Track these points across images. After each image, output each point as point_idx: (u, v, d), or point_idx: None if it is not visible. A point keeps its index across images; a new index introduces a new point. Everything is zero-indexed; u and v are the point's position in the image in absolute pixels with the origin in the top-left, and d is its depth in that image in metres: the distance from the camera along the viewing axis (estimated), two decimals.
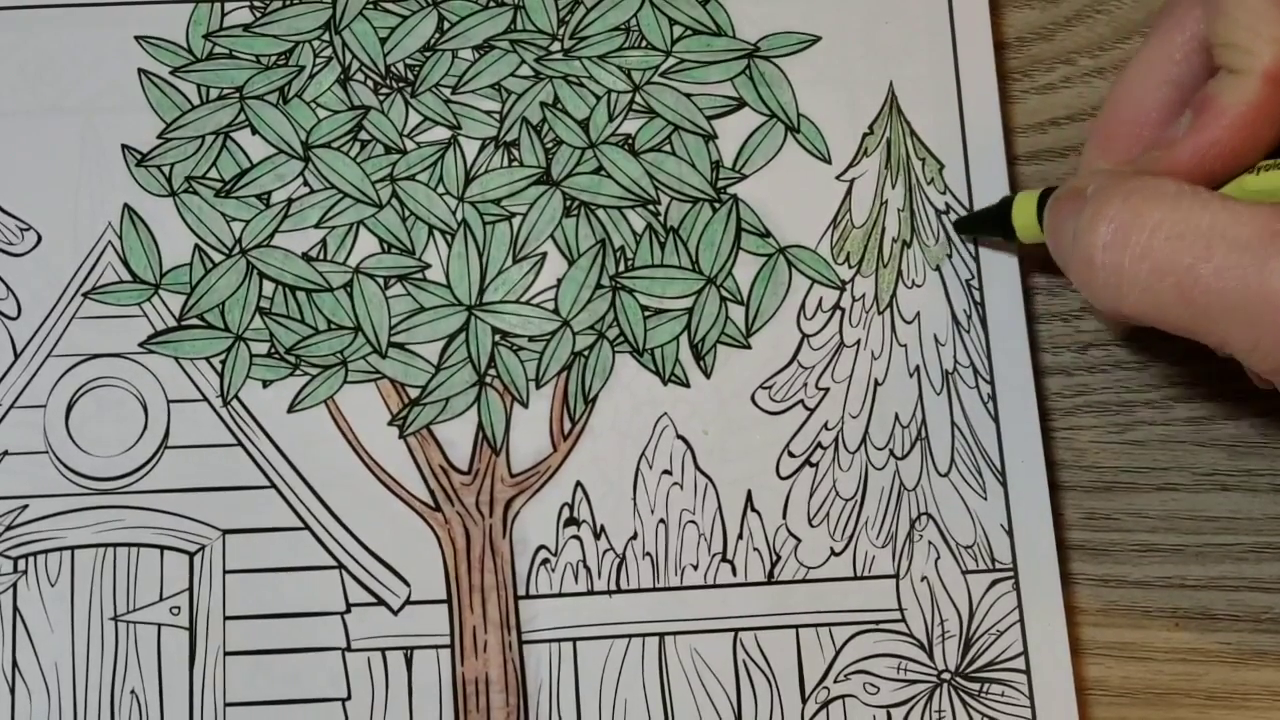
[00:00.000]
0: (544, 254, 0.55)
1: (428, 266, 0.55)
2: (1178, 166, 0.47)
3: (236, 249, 0.55)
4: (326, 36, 0.57)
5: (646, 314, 0.55)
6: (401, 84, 0.57)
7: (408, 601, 0.52)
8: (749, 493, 0.54)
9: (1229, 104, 0.46)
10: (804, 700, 0.52)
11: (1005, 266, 0.55)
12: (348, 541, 0.53)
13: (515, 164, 0.56)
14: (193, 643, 0.52)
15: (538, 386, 0.54)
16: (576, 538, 0.53)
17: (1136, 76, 0.51)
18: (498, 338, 0.55)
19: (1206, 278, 0.44)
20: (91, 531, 0.53)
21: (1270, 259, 0.43)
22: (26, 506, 0.53)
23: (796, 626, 0.53)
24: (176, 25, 0.57)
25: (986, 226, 0.55)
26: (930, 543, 0.53)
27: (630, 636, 0.52)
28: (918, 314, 0.55)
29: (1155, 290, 0.45)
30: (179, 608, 0.52)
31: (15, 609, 0.52)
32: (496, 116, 0.56)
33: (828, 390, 0.55)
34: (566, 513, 0.53)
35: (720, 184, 0.56)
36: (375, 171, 0.56)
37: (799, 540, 0.53)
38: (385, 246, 0.55)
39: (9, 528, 0.52)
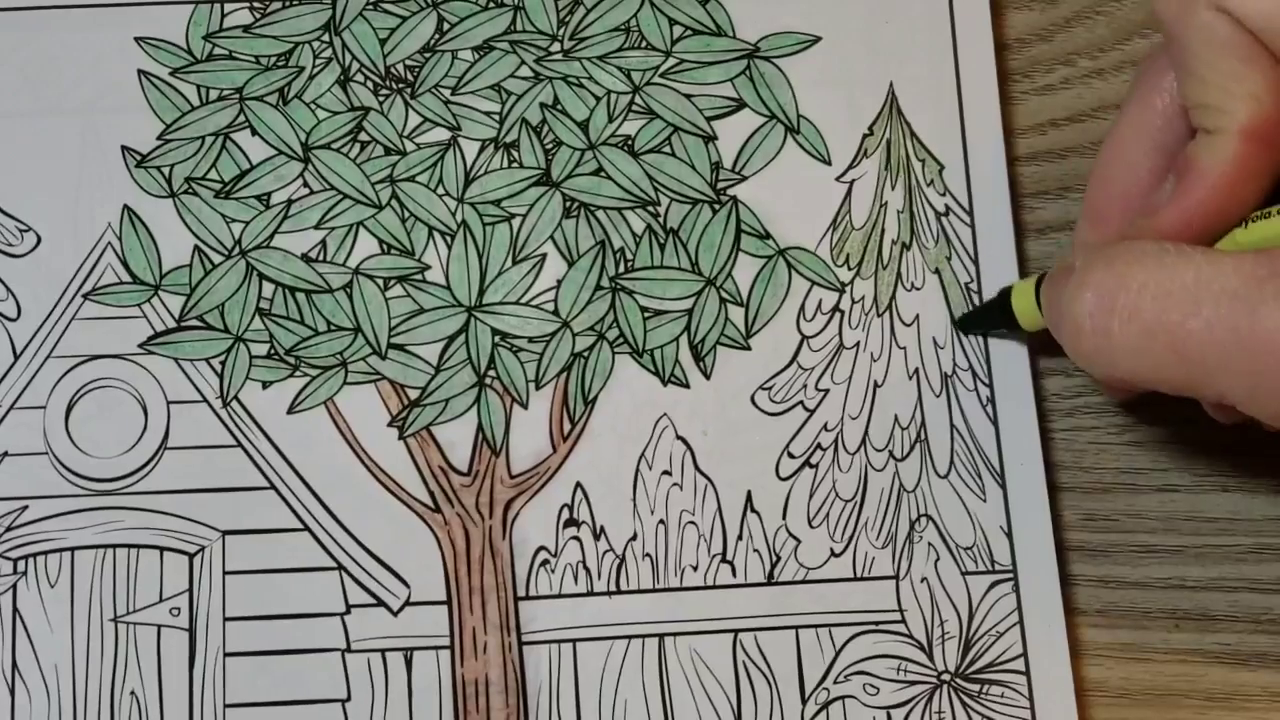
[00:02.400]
0: (544, 255, 0.55)
1: (427, 268, 0.55)
2: (1164, 233, 0.47)
3: (236, 250, 0.55)
4: (326, 37, 0.57)
5: (646, 315, 0.55)
6: (401, 85, 0.57)
7: (407, 603, 0.52)
8: (749, 494, 0.54)
9: (1209, 166, 0.46)
10: (804, 701, 0.52)
11: (1004, 268, 0.55)
12: (347, 543, 0.53)
13: (515, 165, 0.56)
14: (192, 644, 0.52)
15: (537, 387, 0.54)
16: (576, 539, 0.53)
17: (1120, 146, 0.51)
18: (497, 339, 0.55)
19: (1198, 332, 0.43)
20: (91, 532, 0.53)
21: (1259, 305, 0.42)
22: (26, 507, 0.53)
23: (796, 627, 0.53)
24: (176, 26, 0.57)
25: (990, 320, 0.55)
26: (930, 544, 0.53)
27: (630, 637, 0.52)
28: (917, 316, 0.55)
29: (1147, 351, 0.45)
30: (179, 609, 0.52)
31: (15, 610, 0.52)
32: (496, 117, 0.56)
33: (827, 392, 0.55)
34: (566, 514, 0.53)
35: (720, 185, 0.56)
36: (375, 172, 0.56)
37: (799, 541, 0.53)
38: (385, 248, 0.55)
39: (9, 529, 0.52)
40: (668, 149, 0.56)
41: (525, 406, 0.54)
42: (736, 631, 0.53)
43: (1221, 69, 0.45)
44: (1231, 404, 0.45)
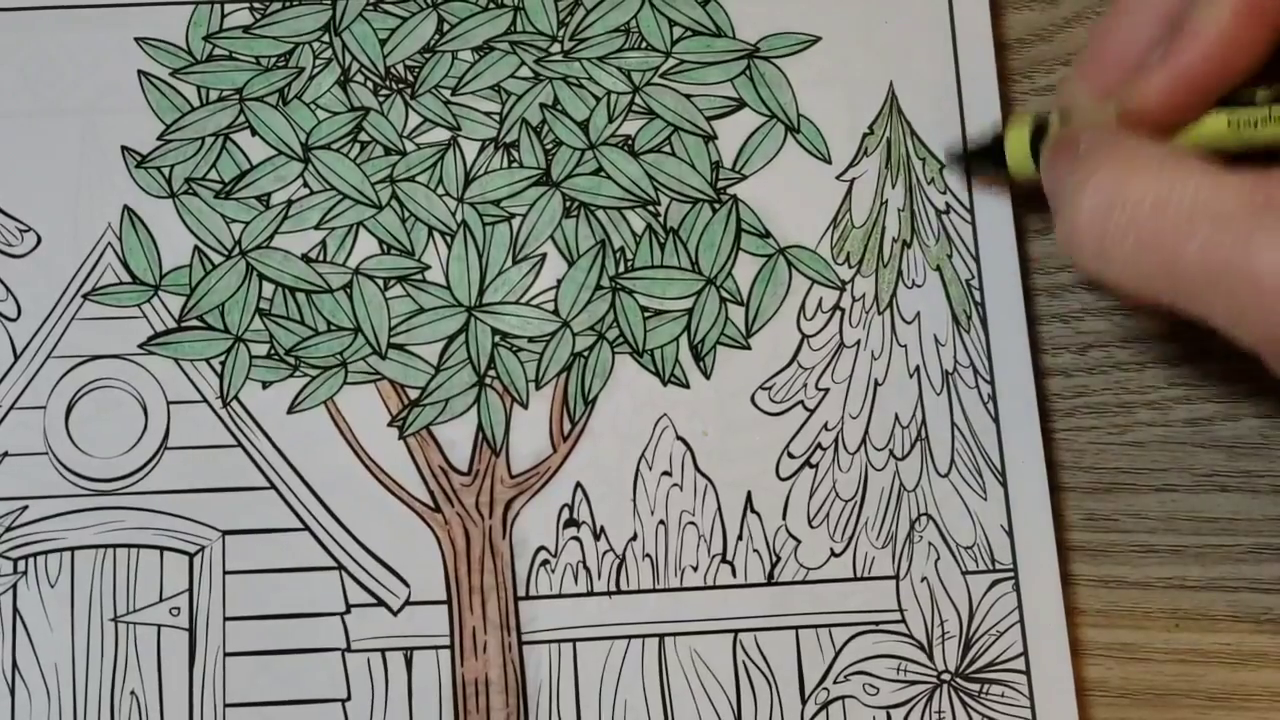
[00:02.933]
0: (544, 255, 0.55)
1: (427, 268, 0.55)
2: (1150, 94, 0.47)
3: (236, 250, 0.55)
4: (326, 38, 0.57)
5: (646, 315, 0.55)
6: (401, 85, 0.57)
7: (407, 602, 0.53)
8: (749, 494, 0.54)
9: (1202, 29, 0.47)
10: (804, 701, 0.52)
11: (1006, 267, 0.55)
12: (347, 542, 0.53)
13: (515, 165, 0.56)
14: (192, 643, 0.52)
15: (537, 387, 0.54)
16: (576, 539, 0.53)
17: (1130, 7, 0.51)
18: (497, 339, 0.55)
19: (1191, 253, 0.44)
20: (91, 532, 0.53)
21: (1254, 233, 0.43)
22: (26, 507, 0.53)
23: (796, 627, 0.53)
24: (176, 27, 0.57)
25: (979, 162, 0.55)
26: (930, 543, 0.53)
27: (630, 637, 0.52)
28: (918, 314, 0.55)
29: (1139, 263, 0.45)
30: (179, 608, 0.52)
31: (15, 610, 0.52)
32: (496, 118, 0.56)
33: (828, 391, 0.55)
34: (566, 513, 0.53)
35: (720, 184, 0.56)
36: (375, 173, 0.56)
37: (799, 541, 0.53)
38: (385, 248, 0.55)
39: (9, 529, 0.52)
40: (668, 149, 0.56)
41: (525, 406, 0.54)
42: (736, 631, 0.53)
43: None
44: (1214, 325, 0.45)
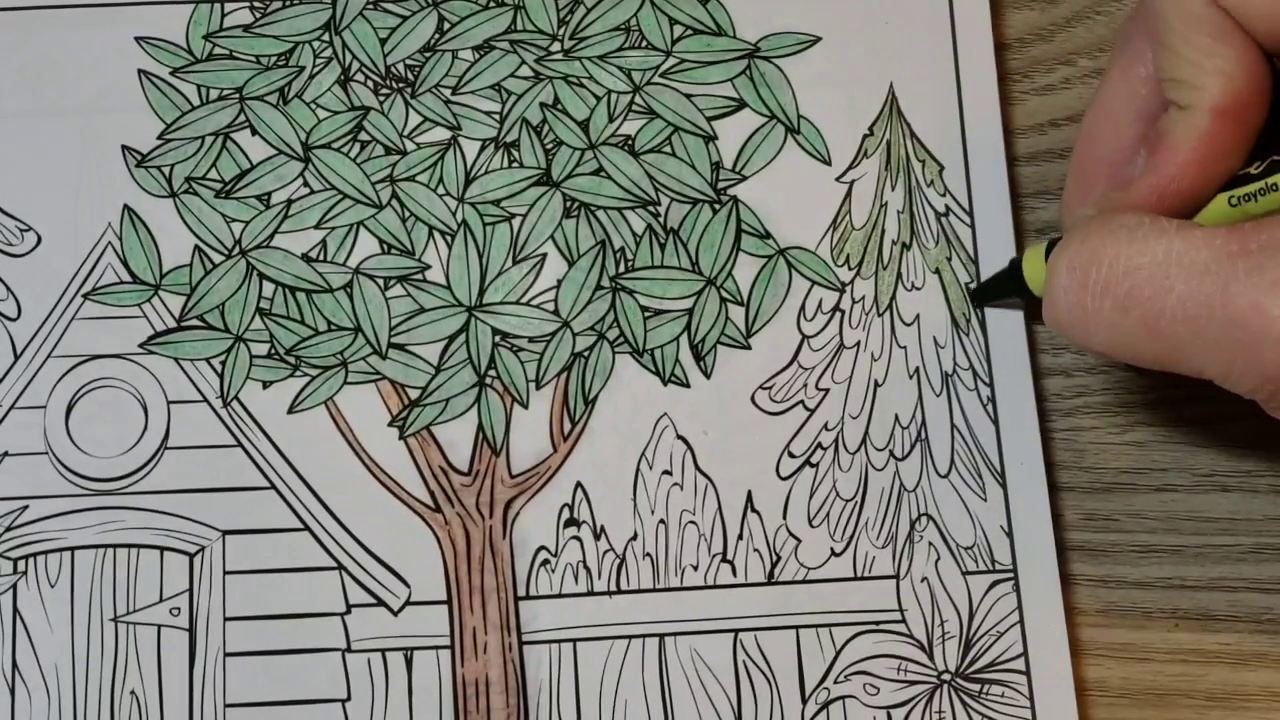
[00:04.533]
0: (544, 255, 0.55)
1: (428, 267, 0.55)
2: (1136, 205, 0.47)
3: (236, 250, 0.55)
4: (326, 37, 0.57)
5: (646, 315, 0.55)
6: (401, 85, 0.57)
7: (408, 602, 0.52)
8: (749, 493, 0.54)
9: (1180, 140, 0.46)
10: (804, 701, 0.52)
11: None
12: (348, 542, 0.53)
13: (515, 165, 0.56)
14: (193, 643, 0.52)
15: (538, 387, 0.54)
16: (576, 538, 0.53)
17: (1103, 113, 0.51)
18: (498, 339, 0.55)
19: (1171, 308, 0.43)
20: (92, 532, 0.53)
21: (1231, 282, 0.42)
22: (27, 507, 0.53)
23: (797, 627, 0.53)
24: (176, 26, 0.57)
25: (1003, 289, 0.55)
26: (930, 544, 0.53)
27: (630, 637, 0.52)
28: (917, 316, 0.55)
29: (1121, 327, 0.45)
30: (179, 608, 0.52)
31: (15, 610, 0.52)
32: (496, 117, 0.56)
33: (828, 391, 0.55)
34: (566, 513, 0.53)
35: (720, 185, 0.56)
36: (375, 172, 0.56)
37: (799, 541, 0.53)
38: (385, 247, 0.55)
39: (9, 528, 0.52)
40: (668, 149, 0.56)
41: (525, 406, 0.54)
42: (737, 631, 0.53)
43: (1194, 44, 0.45)
44: (1208, 379, 0.45)
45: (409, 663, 0.52)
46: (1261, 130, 0.47)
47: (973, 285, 0.55)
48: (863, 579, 0.53)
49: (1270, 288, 0.42)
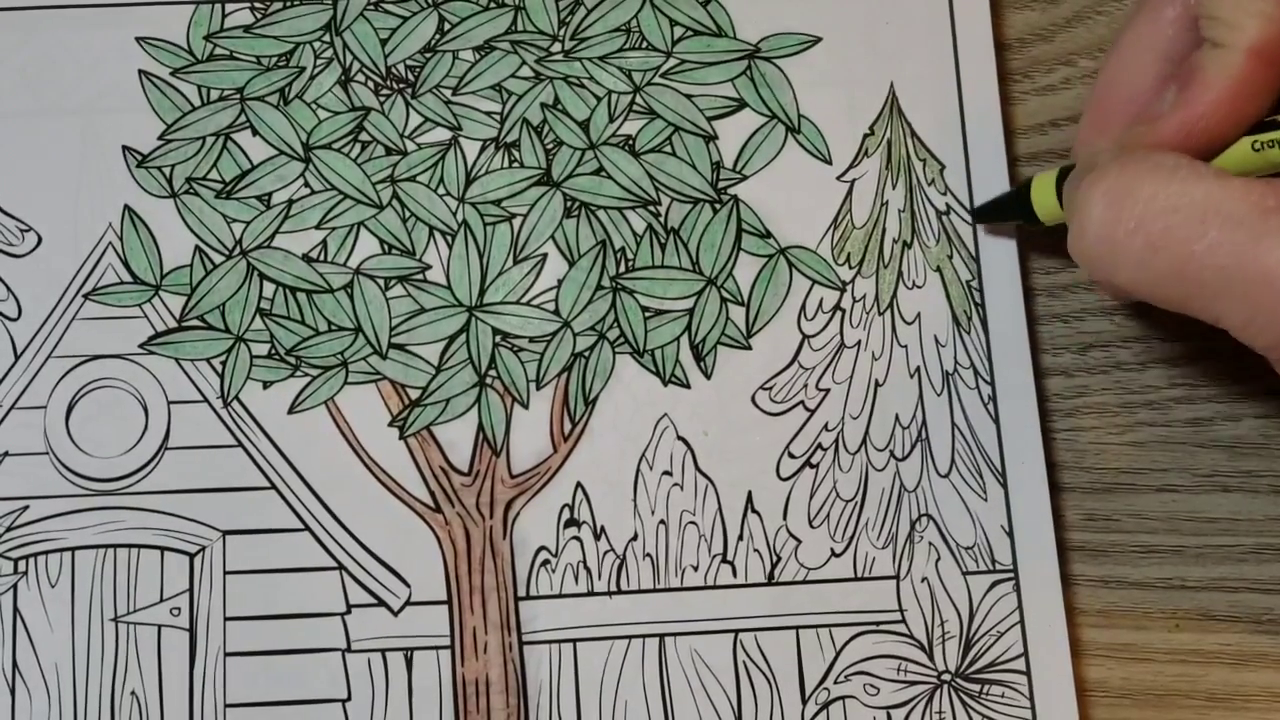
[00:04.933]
0: (544, 255, 0.55)
1: (428, 268, 0.55)
2: (1163, 141, 0.47)
3: (237, 250, 0.55)
4: (327, 38, 0.57)
5: (647, 315, 0.55)
6: (402, 85, 0.57)
7: (408, 602, 0.53)
8: (749, 494, 0.54)
9: (1213, 78, 0.46)
10: (804, 701, 0.52)
11: (1006, 267, 0.55)
12: (348, 542, 0.53)
13: (516, 165, 0.56)
14: (193, 643, 0.52)
15: (538, 387, 0.54)
16: (577, 539, 0.53)
17: (1128, 51, 0.51)
18: (498, 339, 0.55)
19: (1200, 254, 0.44)
20: (92, 532, 0.53)
21: (1264, 236, 0.43)
22: (27, 507, 0.53)
23: (797, 627, 0.53)
24: (177, 26, 0.57)
25: (1007, 212, 0.55)
26: (930, 544, 0.53)
27: (630, 637, 0.52)
28: (918, 315, 0.55)
29: (1149, 265, 0.45)
30: (179, 609, 0.52)
31: (15, 609, 0.52)
32: (497, 117, 0.56)
33: (828, 391, 0.55)
34: (567, 514, 0.53)
35: (721, 185, 0.56)
36: (376, 172, 0.56)
37: (799, 541, 0.53)
38: (386, 247, 0.55)
39: (9, 529, 0.52)
40: (668, 149, 0.56)
41: (526, 406, 0.54)
42: (737, 631, 0.53)
43: None
44: (1225, 328, 0.45)
45: (409, 663, 0.52)
46: None
47: (981, 206, 0.56)
48: (863, 579, 0.53)
49: None
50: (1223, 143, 0.47)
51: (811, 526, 0.53)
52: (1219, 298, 0.44)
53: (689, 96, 0.57)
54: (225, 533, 0.53)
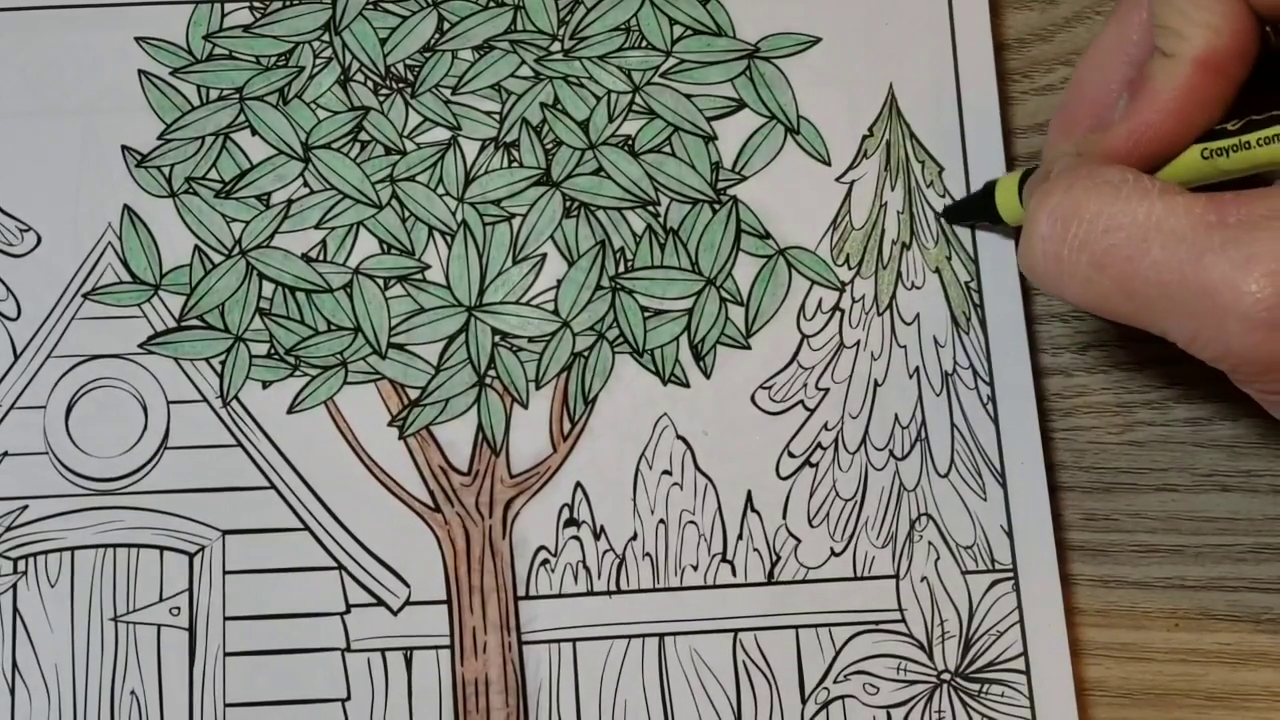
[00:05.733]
0: (544, 255, 0.55)
1: (428, 267, 0.55)
2: (1113, 149, 0.48)
3: (236, 250, 0.55)
4: (326, 37, 0.57)
5: (646, 315, 0.55)
6: (401, 85, 0.57)
7: (407, 602, 0.52)
8: (749, 493, 0.54)
9: (1161, 87, 0.47)
10: (804, 701, 0.52)
11: (1005, 268, 0.55)
12: (347, 542, 0.53)
13: (515, 165, 0.56)
14: (192, 643, 0.52)
15: (538, 387, 0.54)
16: (576, 538, 0.53)
17: (1097, 57, 0.52)
18: (498, 338, 0.55)
19: (1144, 271, 0.44)
20: (91, 532, 0.53)
21: (1206, 252, 0.43)
22: (26, 507, 0.53)
23: (796, 627, 0.53)
24: (176, 26, 0.57)
25: (974, 213, 0.55)
26: (930, 543, 0.53)
27: (630, 637, 0.52)
28: (917, 315, 0.55)
29: (1095, 283, 0.45)
30: (179, 608, 0.52)
31: (15, 609, 0.52)
32: (496, 117, 0.57)
33: (827, 391, 0.55)
34: (566, 513, 0.53)
35: (720, 185, 0.56)
36: (375, 172, 0.56)
37: (799, 541, 0.53)
38: (385, 247, 0.55)
39: (9, 528, 0.52)
40: (668, 149, 0.56)
41: (525, 406, 0.54)
42: (736, 631, 0.53)
43: None
44: (1173, 341, 0.46)
45: (409, 662, 0.52)
46: (1242, 88, 0.47)
47: (950, 205, 0.56)
48: (862, 579, 0.53)
49: (1243, 263, 0.43)
50: (1171, 151, 0.48)
51: (811, 526, 0.53)
52: (1164, 314, 0.45)
53: (688, 96, 0.57)
54: (225, 532, 0.53)
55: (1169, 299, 0.44)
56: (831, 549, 0.53)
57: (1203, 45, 0.46)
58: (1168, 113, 0.47)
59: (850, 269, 0.56)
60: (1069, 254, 0.46)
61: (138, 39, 0.57)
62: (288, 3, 0.57)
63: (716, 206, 0.56)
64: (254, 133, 0.56)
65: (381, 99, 0.57)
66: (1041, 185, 0.47)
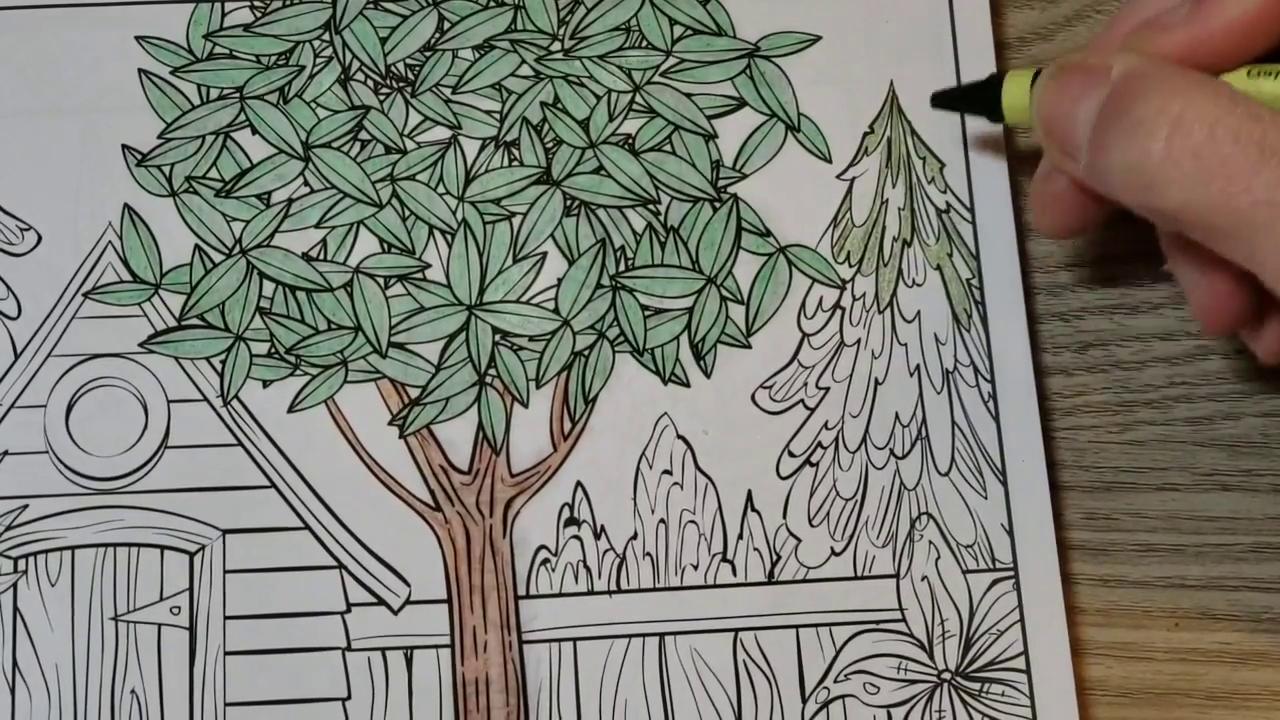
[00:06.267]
0: (544, 254, 0.55)
1: (428, 266, 0.55)
2: (1167, 52, 0.46)
3: (237, 249, 0.55)
4: (327, 36, 0.57)
5: (647, 314, 0.55)
6: (402, 84, 0.57)
7: (408, 601, 0.53)
8: (749, 493, 0.54)
9: (1230, 3, 0.46)
10: (804, 700, 0.52)
11: (1006, 266, 0.55)
12: (348, 541, 0.53)
13: (515, 164, 0.56)
14: (193, 642, 0.52)
15: (538, 386, 0.54)
16: (577, 538, 0.53)
17: None
18: (498, 337, 0.55)
19: (1255, 189, 0.43)
20: (92, 531, 0.53)
21: None
22: (27, 506, 0.53)
23: (797, 626, 0.53)
24: (176, 25, 0.57)
25: (970, 104, 0.54)
26: (930, 542, 0.53)
27: (630, 636, 0.52)
28: (918, 313, 0.55)
29: (1197, 190, 0.43)
30: (179, 607, 0.52)
31: (15, 609, 0.52)
32: (497, 116, 0.56)
33: (828, 390, 0.55)
34: (567, 513, 0.53)
35: (720, 183, 0.56)
36: (375, 171, 0.56)
37: (799, 540, 0.53)
38: (385, 246, 0.55)
39: (9, 528, 0.52)
40: (668, 147, 0.56)
41: (526, 405, 0.54)
42: (737, 630, 0.53)
43: None
44: (1255, 268, 0.44)
45: (409, 661, 0.52)
46: None
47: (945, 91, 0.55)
48: (863, 578, 0.53)
49: None
50: (1220, 67, 0.46)
51: (811, 525, 0.53)
52: (1261, 236, 0.43)
53: (689, 95, 0.57)
54: (225, 531, 0.53)
55: (1271, 221, 0.42)
56: (832, 548, 0.53)
57: None
58: (1232, 29, 0.46)
59: (851, 267, 0.56)
60: (1175, 153, 0.43)
61: (138, 38, 0.57)
62: (288, 2, 0.57)
63: (717, 205, 0.56)
64: (254, 132, 0.56)
65: (382, 98, 0.57)
66: (1118, 85, 0.45)
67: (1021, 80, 0.51)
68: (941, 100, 0.54)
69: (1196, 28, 0.46)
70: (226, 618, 0.52)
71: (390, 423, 0.54)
